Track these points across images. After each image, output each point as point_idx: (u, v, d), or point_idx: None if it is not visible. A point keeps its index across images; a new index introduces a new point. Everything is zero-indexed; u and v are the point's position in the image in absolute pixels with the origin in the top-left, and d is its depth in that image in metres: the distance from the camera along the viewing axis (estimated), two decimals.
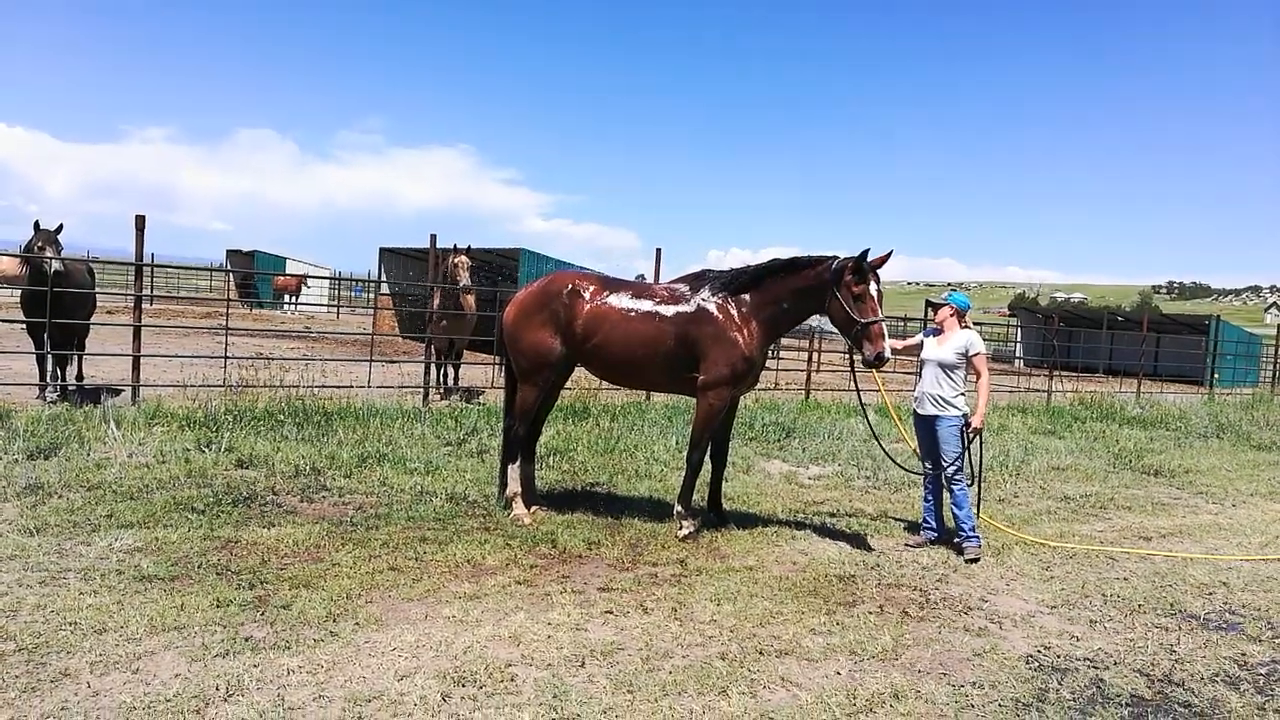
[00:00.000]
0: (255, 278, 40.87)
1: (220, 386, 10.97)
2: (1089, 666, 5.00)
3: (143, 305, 11.78)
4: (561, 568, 6.09)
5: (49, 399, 10.68)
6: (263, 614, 4.87)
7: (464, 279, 13.02)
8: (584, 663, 4.54)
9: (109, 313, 25.12)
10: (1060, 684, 4.73)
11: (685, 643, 4.90)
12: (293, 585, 5.33)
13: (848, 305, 6.60)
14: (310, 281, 39.97)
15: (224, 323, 13.34)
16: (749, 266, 7.11)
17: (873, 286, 6.58)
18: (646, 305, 7.10)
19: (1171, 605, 6.19)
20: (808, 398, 16.31)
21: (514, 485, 7.30)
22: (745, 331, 6.94)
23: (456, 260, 13.06)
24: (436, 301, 13.36)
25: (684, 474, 7.18)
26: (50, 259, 10.22)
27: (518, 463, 7.37)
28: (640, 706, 4.12)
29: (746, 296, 6.98)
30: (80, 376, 12.02)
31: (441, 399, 13.28)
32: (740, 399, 7.84)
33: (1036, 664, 4.99)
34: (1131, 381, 22.38)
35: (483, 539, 6.53)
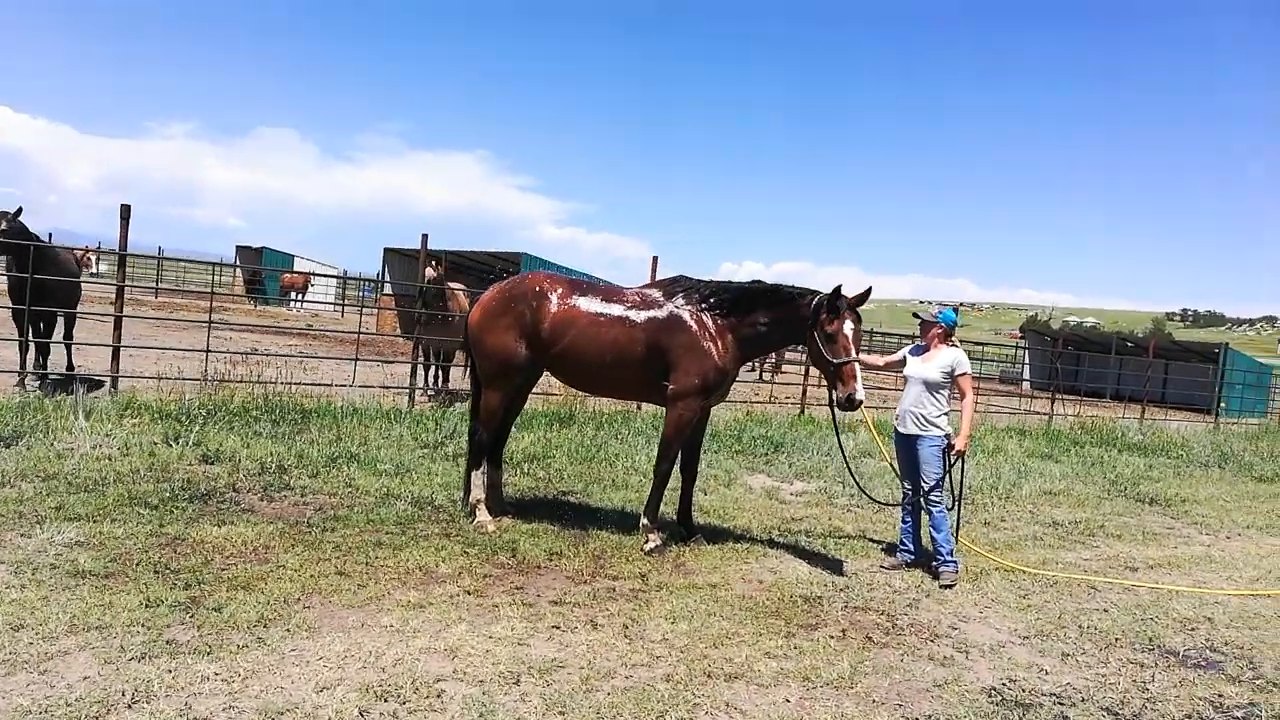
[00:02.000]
0: (263, 274, 40.86)
1: (196, 380, 10.81)
2: (1054, 702, 4.76)
3: (125, 296, 11.60)
4: (517, 578, 5.88)
5: (29, 388, 10.51)
6: (192, 616, 4.67)
7: (430, 275, 13.18)
8: (519, 680, 4.33)
9: (110, 304, 25.11)
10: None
11: (631, 662, 4.68)
12: (231, 587, 5.13)
13: (822, 344, 6.41)
14: (316, 280, 39.91)
15: (209, 317, 13.10)
16: (730, 283, 6.90)
17: (847, 325, 6.37)
18: (617, 310, 6.89)
19: (1150, 640, 5.93)
20: (803, 413, 16.07)
21: (478, 492, 7.09)
22: (719, 343, 6.74)
23: (428, 271, 13.30)
24: (421, 305, 13.30)
25: (651, 485, 6.97)
26: None
27: (482, 469, 7.16)
28: None
29: (723, 311, 6.78)
30: (70, 366, 11.87)
31: (427, 401, 13.12)
32: (712, 411, 7.61)
33: (999, 698, 4.75)
34: (1137, 407, 22.05)
35: (440, 545, 6.32)
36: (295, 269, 40.11)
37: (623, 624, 5.20)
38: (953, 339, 7.22)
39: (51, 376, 11.26)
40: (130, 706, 3.70)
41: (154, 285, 32.85)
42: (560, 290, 6.97)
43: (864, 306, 6.57)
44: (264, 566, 5.54)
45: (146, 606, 4.72)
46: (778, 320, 6.69)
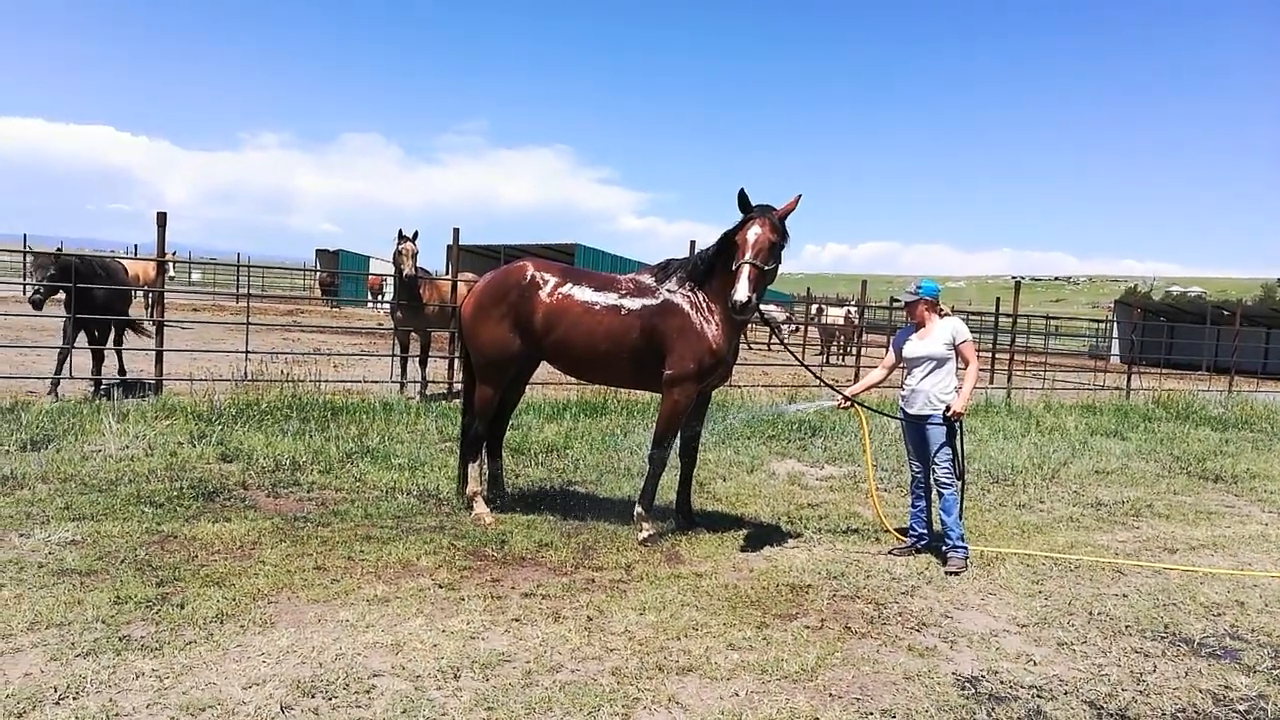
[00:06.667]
0: (339, 276, 42.04)
1: (227, 380, 11.09)
2: (1033, 695, 4.46)
3: (204, 301, 11.98)
4: (496, 570, 5.82)
5: (60, 395, 10.70)
6: (155, 612, 4.73)
7: (408, 268, 12.44)
8: (458, 675, 4.25)
9: (194, 310, 26.20)
10: (990, 714, 4.22)
11: (582, 656, 4.57)
12: (205, 583, 5.19)
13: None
14: (389, 280, 40.79)
15: (246, 318, 13.47)
16: (706, 249, 6.70)
17: (749, 232, 6.21)
18: (611, 298, 6.77)
19: (1165, 627, 5.53)
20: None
21: (474, 484, 7.07)
22: (712, 323, 6.56)
23: (402, 248, 12.43)
24: (390, 293, 12.92)
25: (646, 473, 6.84)
26: None
27: (478, 461, 7.14)
28: None
29: (704, 282, 6.59)
30: (122, 370, 12.30)
31: (416, 397, 12.20)
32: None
33: (972, 691, 4.47)
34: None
35: (429, 539, 6.30)
36: (372, 270, 41.10)
37: (587, 616, 5.09)
38: (940, 308, 6.87)
39: (102, 381, 11.65)
40: (57, 703, 3.75)
41: (234, 291, 34.03)
42: (553, 279, 6.86)
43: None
44: (244, 562, 5.61)
45: (115, 604, 4.81)
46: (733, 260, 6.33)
